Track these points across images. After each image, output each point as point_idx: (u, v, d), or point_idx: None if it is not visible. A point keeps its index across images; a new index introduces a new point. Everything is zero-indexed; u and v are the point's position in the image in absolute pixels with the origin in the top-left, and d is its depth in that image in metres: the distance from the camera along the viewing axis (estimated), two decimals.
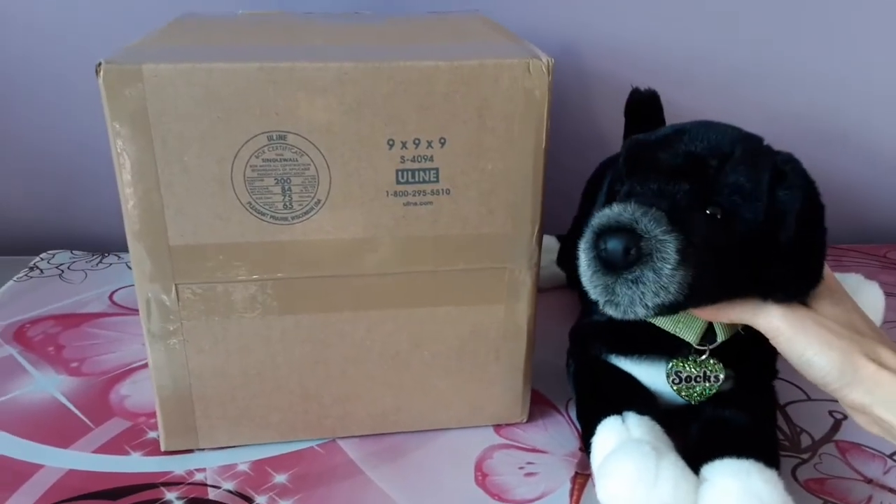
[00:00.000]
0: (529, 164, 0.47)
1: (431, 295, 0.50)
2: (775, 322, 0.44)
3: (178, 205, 0.45)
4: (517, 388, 0.54)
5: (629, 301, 0.41)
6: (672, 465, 0.44)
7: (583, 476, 0.51)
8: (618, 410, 0.50)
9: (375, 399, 0.53)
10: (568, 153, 0.82)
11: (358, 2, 0.75)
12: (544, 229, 0.50)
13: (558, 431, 0.55)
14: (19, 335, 0.67)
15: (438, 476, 0.51)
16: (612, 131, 0.83)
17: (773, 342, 0.45)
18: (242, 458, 0.52)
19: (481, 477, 0.51)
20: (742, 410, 0.51)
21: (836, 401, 0.44)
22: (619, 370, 0.54)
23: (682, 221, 0.42)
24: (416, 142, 0.45)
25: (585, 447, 0.51)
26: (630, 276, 0.41)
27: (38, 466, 0.51)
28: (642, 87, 0.70)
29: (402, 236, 0.48)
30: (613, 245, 0.41)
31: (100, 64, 0.41)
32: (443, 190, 0.47)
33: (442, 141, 0.45)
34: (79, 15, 0.78)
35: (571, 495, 0.49)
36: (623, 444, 0.46)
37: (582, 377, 0.56)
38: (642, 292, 0.41)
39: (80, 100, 0.81)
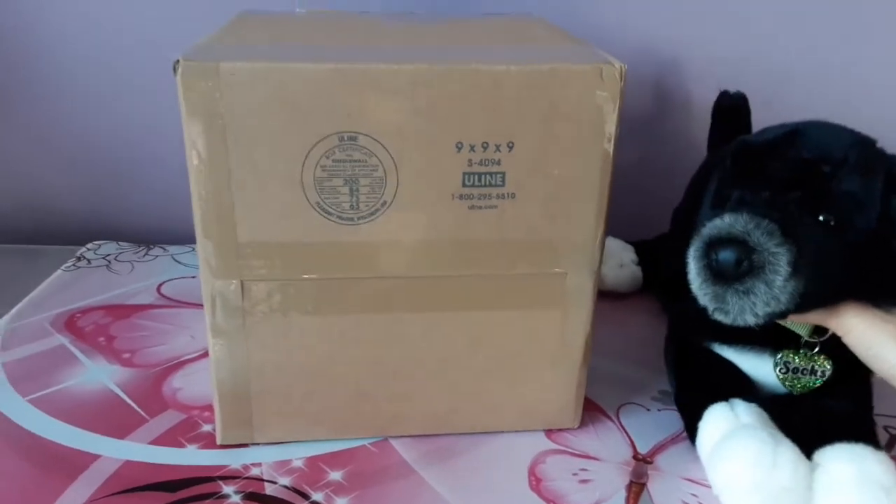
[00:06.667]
0: (596, 170, 0.47)
1: (490, 299, 0.50)
2: (848, 320, 0.45)
3: (247, 202, 0.45)
4: (570, 395, 0.54)
5: (739, 310, 0.43)
6: (790, 450, 0.45)
7: (637, 485, 0.51)
8: (724, 397, 0.50)
9: (429, 400, 0.53)
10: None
11: (408, 2, 0.75)
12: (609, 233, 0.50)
13: (610, 438, 0.55)
14: (70, 324, 0.68)
15: (492, 479, 0.51)
16: (661, 136, 0.83)
17: (844, 339, 0.46)
18: (297, 455, 0.52)
19: (535, 481, 0.51)
20: (842, 399, 0.51)
21: (894, 416, 0.44)
22: (721, 358, 0.54)
23: (794, 233, 0.42)
24: (485, 145, 0.45)
25: (689, 432, 0.52)
26: (741, 288, 0.42)
27: (95, 456, 0.51)
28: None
29: (464, 240, 0.48)
30: (725, 256, 0.42)
31: (178, 61, 0.42)
32: (508, 194, 0.47)
33: (510, 145, 0.45)
34: (134, 7, 0.79)
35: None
36: (736, 429, 0.47)
37: (684, 363, 0.56)
38: (753, 302, 0.42)
39: (132, 92, 0.82)
